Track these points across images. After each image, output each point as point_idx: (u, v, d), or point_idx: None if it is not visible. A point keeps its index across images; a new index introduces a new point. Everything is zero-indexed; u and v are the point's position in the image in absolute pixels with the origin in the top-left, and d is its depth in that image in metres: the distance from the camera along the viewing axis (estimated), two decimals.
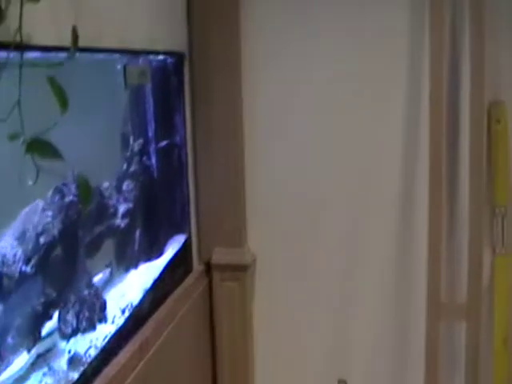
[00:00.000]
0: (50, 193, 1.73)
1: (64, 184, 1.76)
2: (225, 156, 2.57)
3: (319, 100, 2.58)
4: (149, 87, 2.24)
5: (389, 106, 2.55)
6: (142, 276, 2.23)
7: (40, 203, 1.68)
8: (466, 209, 2.48)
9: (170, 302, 2.29)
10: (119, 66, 1.94)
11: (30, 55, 1.35)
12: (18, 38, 1.26)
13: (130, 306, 2.06)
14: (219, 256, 2.63)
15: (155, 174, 2.35)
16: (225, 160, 2.57)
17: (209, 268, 2.64)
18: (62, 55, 1.37)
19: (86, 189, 1.24)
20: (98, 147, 1.91)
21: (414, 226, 2.60)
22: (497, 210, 2.53)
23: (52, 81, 1.16)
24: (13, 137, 1.23)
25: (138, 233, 2.24)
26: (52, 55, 1.45)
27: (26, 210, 1.64)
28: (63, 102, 1.17)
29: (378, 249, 2.63)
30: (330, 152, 2.61)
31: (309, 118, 2.60)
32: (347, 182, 2.61)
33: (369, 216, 2.62)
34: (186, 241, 2.54)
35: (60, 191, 1.75)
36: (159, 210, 2.40)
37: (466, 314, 2.49)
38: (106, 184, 2.02)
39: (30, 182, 1.26)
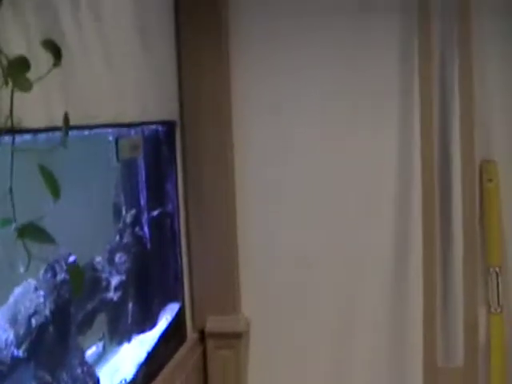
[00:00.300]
0: (41, 271, 1.70)
1: (56, 261, 1.74)
2: (217, 223, 2.56)
3: (311, 158, 2.59)
4: (141, 157, 2.24)
5: (382, 166, 2.56)
6: (136, 349, 2.19)
7: (32, 282, 1.66)
8: (460, 268, 2.47)
9: (164, 374, 2.25)
10: (111, 140, 1.93)
11: (22, 138, 1.34)
12: (9, 123, 1.25)
13: (123, 383, 2.02)
14: (213, 324, 2.59)
15: (148, 244, 2.33)
16: (217, 227, 2.56)
17: (203, 336, 2.60)
18: (54, 137, 1.36)
19: (78, 276, 1.22)
20: (90, 222, 1.89)
21: (409, 289, 2.58)
22: (491, 269, 2.52)
23: (43, 169, 1.15)
24: (4, 223, 1.22)
25: (130, 305, 2.21)
26: (43, 136, 1.44)
27: (19, 289, 1.61)
28: (55, 191, 1.16)
29: (373, 313, 2.61)
30: (323, 212, 2.60)
31: (301, 177, 2.59)
32: (341, 243, 2.60)
33: (363, 278, 2.60)
34: (179, 309, 2.50)
35: (52, 269, 1.73)
36: (152, 279, 2.37)
37: (463, 378, 2.45)
38: (98, 258, 2.00)
39: (22, 269, 1.25)
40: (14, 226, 1.19)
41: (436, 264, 2.47)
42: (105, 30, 1.80)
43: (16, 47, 1.32)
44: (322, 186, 2.59)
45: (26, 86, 1.12)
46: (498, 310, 2.52)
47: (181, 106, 2.51)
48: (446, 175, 2.51)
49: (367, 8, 2.49)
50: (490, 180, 2.49)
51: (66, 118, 1.19)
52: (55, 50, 1.20)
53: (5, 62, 1.20)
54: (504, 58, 2.45)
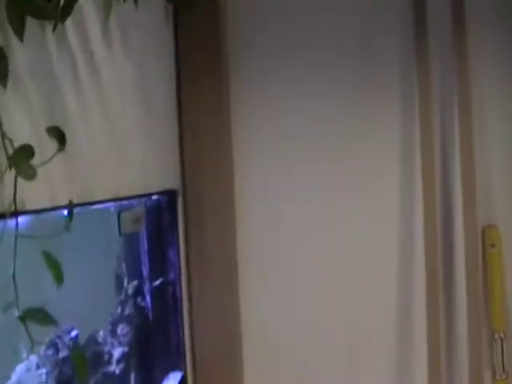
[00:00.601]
0: (43, 347, 1.70)
1: (58, 336, 1.73)
2: (220, 290, 2.54)
3: (314, 226, 2.59)
4: (143, 228, 2.24)
5: (382, 226, 2.56)
6: None
7: (34, 359, 1.65)
8: (465, 334, 2.46)
9: None
10: (113, 213, 1.94)
11: (25, 220, 1.34)
12: (12, 208, 1.26)
13: None
14: None
15: (149, 314, 2.32)
16: (220, 294, 2.54)
17: None
18: (57, 216, 1.37)
19: (81, 363, 1.21)
20: (92, 295, 1.89)
21: (414, 353, 2.56)
22: (496, 334, 2.50)
23: (47, 256, 1.15)
24: (7, 307, 1.22)
25: (133, 376, 2.19)
26: (46, 216, 1.45)
27: (21, 367, 1.61)
28: (58, 277, 1.16)
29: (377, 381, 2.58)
30: (328, 283, 2.59)
31: (303, 249, 2.59)
32: (343, 319, 2.58)
33: (367, 351, 2.58)
34: (182, 378, 2.48)
35: (54, 345, 1.72)
36: (154, 349, 2.36)
37: None
38: (100, 331, 1.99)
39: (25, 354, 1.24)
40: (16, 312, 1.20)
41: (440, 330, 2.45)
42: (107, 104, 1.82)
43: (18, 127, 1.34)
44: (327, 253, 2.59)
45: (29, 175, 1.13)
46: (504, 376, 2.50)
47: (182, 172, 2.52)
48: (449, 241, 2.51)
49: (368, 60, 2.52)
50: (493, 245, 2.49)
51: (71, 205, 1.20)
52: (60, 136, 1.22)
53: (9, 149, 1.22)
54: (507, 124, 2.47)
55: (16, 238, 1.22)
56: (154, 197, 2.30)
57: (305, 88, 2.56)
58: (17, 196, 1.26)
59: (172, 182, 2.41)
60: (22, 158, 1.13)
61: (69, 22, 1.55)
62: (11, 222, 1.26)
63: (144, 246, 2.29)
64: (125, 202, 1.99)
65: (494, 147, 2.50)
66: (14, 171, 1.23)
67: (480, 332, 2.44)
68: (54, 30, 1.50)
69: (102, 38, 1.81)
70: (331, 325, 2.58)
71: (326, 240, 2.58)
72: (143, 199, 2.16)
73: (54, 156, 1.23)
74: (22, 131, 1.35)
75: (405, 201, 2.53)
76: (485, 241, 2.49)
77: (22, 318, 1.22)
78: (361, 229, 2.56)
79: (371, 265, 2.57)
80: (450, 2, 2.43)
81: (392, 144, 2.53)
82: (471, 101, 2.41)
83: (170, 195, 2.41)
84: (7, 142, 1.24)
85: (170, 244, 2.45)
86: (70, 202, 1.24)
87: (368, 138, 2.53)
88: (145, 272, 2.29)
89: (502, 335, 2.49)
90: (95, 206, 1.75)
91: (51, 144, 1.37)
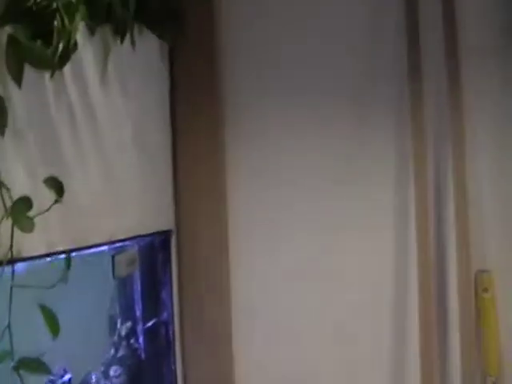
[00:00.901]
0: None
1: (51, 381, 1.72)
2: (212, 333, 2.53)
3: (308, 269, 2.58)
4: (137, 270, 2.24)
5: (377, 275, 2.55)
6: None
7: None
8: (459, 378, 2.45)
9: None
10: (107, 255, 1.94)
11: (22, 268, 1.35)
12: (8, 256, 1.27)
13: None
14: None
15: (143, 355, 2.31)
16: (212, 336, 2.53)
17: None
18: (55, 265, 1.38)
19: None
20: (85, 338, 1.89)
21: None
22: (487, 378, 2.50)
23: (43, 308, 1.15)
24: (1, 358, 1.22)
25: None
26: (42, 262, 1.45)
27: None
28: (54, 329, 1.16)
29: None
30: (321, 325, 2.58)
31: (296, 291, 2.58)
32: (337, 364, 2.56)
33: None
34: None
35: None
36: None
37: None
38: (93, 374, 1.98)
39: None
40: (11, 362, 1.20)
41: (434, 374, 2.45)
42: (104, 149, 1.83)
43: (15, 174, 1.35)
44: (320, 312, 2.58)
45: (28, 227, 1.14)
46: None
47: (176, 212, 2.52)
48: (442, 285, 2.51)
49: (364, 120, 2.53)
50: (486, 290, 2.49)
51: (68, 257, 1.20)
52: (57, 187, 1.22)
53: (6, 197, 1.23)
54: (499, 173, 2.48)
55: (11, 288, 1.22)
56: (149, 238, 2.30)
57: (300, 132, 2.57)
58: (13, 243, 1.26)
59: (166, 222, 2.42)
60: (21, 210, 1.13)
61: (67, 67, 1.56)
62: (7, 270, 1.26)
63: (137, 286, 2.29)
64: (119, 244, 2.00)
65: (487, 192, 2.51)
66: (10, 219, 1.24)
67: (473, 376, 2.44)
68: (51, 76, 1.51)
69: (99, 81, 1.82)
70: (324, 367, 2.57)
71: (321, 288, 2.58)
72: (137, 240, 2.16)
73: (51, 207, 1.24)
74: (19, 179, 1.36)
75: (398, 245, 2.53)
76: (478, 286, 2.49)
77: (17, 368, 1.22)
78: (354, 274, 2.56)
79: (364, 309, 2.56)
80: (445, 46, 2.44)
81: (386, 191, 2.53)
82: (465, 147, 2.42)
83: (163, 235, 2.41)
84: (4, 190, 1.25)
85: (163, 284, 2.45)
86: (67, 254, 1.24)
87: (362, 184, 2.54)
88: (138, 313, 2.29)
89: (493, 379, 2.49)
90: (90, 250, 1.75)
91: (48, 191, 1.38)
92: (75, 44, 1.45)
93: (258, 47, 2.58)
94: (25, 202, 1.15)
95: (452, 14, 2.43)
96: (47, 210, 1.24)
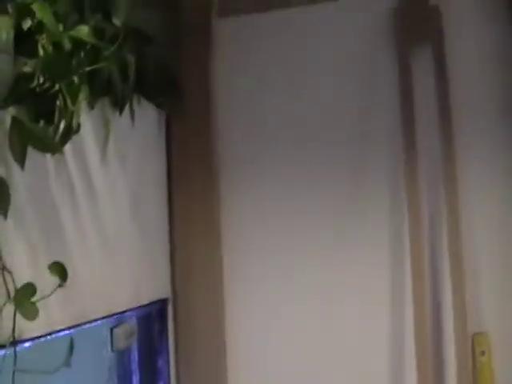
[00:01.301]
0: None
1: None
2: None
3: (303, 328, 2.56)
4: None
5: (372, 343, 2.54)
6: None
7: None
8: None
9: None
10: (106, 328, 1.93)
11: (23, 348, 1.34)
12: (11, 339, 1.26)
13: None
14: None
15: None
16: None
17: None
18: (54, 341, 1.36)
19: None
20: None
21: None
22: None
23: None
24: None
25: None
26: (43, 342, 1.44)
27: None
28: None
29: None
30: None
31: (292, 352, 2.56)
32: None
33: None
34: None
35: None
36: None
37: None
38: None
39: None
40: None
41: None
42: (104, 225, 1.83)
43: (17, 257, 1.35)
44: (316, 359, 2.56)
45: (32, 314, 1.13)
46: None
47: (172, 279, 2.52)
48: (439, 348, 2.50)
49: (358, 178, 2.54)
50: (483, 353, 2.48)
51: (71, 345, 1.20)
52: (61, 272, 1.22)
53: (9, 281, 1.22)
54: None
55: (14, 372, 1.21)
56: (146, 307, 2.29)
57: (294, 197, 2.58)
58: (15, 327, 1.26)
59: (163, 290, 2.41)
60: (24, 297, 1.13)
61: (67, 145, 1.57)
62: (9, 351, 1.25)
63: (135, 356, 2.27)
64: (117, 316, 1.99)
65: (483, 254, 2.51)
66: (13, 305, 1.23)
67: None
68: (53, 155, 1.52)
69: (98, 156, 1.83)
70: None
71: (318, 344, 2.56)
72: (135, 312, 2.15)
73: (54, 291, 1.23)
74: (21, 261, 1.35)
75: (395, 310, 2.52)
76: (475, 348, 2.48)
77: None
78: (349, 334, 2.55)
79: (359, 370, 2.54)
80: (438, 119, 2.47)
81: (381, 256, 2.54)
82: (459, 209, 2.43)
83: (160, 304, 2.40)
84: (6, 273, 1.24)
85: (160, 353, 2.43)
86: (71, 341, 1.23)
87: (357, 250, 2.54)
88: (135, 383, 2.27)
89: None
90: (88, 325, 1.74)
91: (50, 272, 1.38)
92: (78, 126, 1.46)
93: (254, 116, 2.61)
94: (28, 289, 1.14)
95: (444, 74, 2.46)
96: (50, 294, 1.24)
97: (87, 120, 1.75)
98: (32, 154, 1.40)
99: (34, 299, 1.20)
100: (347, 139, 2.56)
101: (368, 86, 2.55)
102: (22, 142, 1.35)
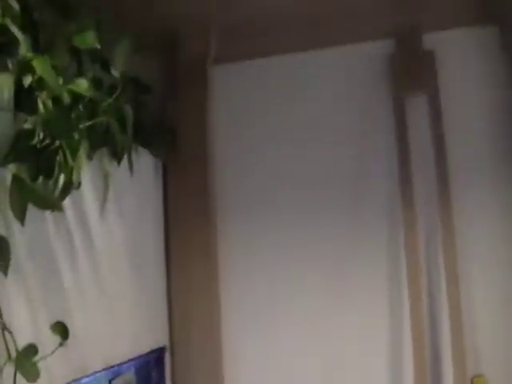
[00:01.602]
0: None
1: None
2: None
3: (301, 371, 2.55)
4: None
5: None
6: None
7: None
8: None
9: None
10: (104, 381, 1.91)
11: None
12: None
13: None
14: None
15: None
16: None
17: None
18: None
19: None
20: None
21: None
22: None
23: None
24: None
25: None
26: None
27: None
28: None
29: None
30: None
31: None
32: None
33: None
34: None
35: None
36: None
37: None
38: None
39: None
40: None
41: None
42: (102, 279, 1.82)
43: (17, 316, 1.34)
44: None
45: (33, 376, 1.12)
46: None
47: (170, 327, 2.50)
48: None
49: (356, 224, 2.54)
50: None
51: None
52: (63, 331, 1.21)
53: (9, 340, 1.21)
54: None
55: None
56: (144, 357, 2.27)
57: (290, 239, 2.57)
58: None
59: (160, 338, 2.39)
60: (26, 358, 1.12)
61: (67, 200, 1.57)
62: None
63: None
64: (116, 368, 1.97)
65: (481, 297, 2.50)
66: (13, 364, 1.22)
67: None
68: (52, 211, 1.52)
69: (97, 207, 1.83)
70: None
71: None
72: (133, 362, 2.13)
73: (55, 350, 1.22)
74: (21, 320, 1.34)
75: (393, 356, 2.51)
76: None
77: None
78: (346, 373, 2.53)
79: None
80: (434, 162, 2.47)
81: (379, 297, 2.53)
82: (456, 257, 2.43)
83: (158, 352, 2.38)
84: (7, 332, 1.23)
85: None
86: None
87: (356, 295, 2.53)
88: None
89: None
90: (87, 379, 1.72)
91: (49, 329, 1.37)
92: (79, 183, 1.46)
93: (249, 161, 2.62)
94: (30, 350, 1.13)
95: (439, 117, 2.48)
96: (51, 353, 1.23)
97: (86, 171, 1.74)
98: (31, 208, 1.40)
99: (35, 359, 1.18)
100: (344, 181, 2.56)
101: (365, 129, 2.57)
102: (23, 199, 1.35)
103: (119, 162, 1.95)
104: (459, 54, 2.52)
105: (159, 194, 2.42)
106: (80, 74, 1.81)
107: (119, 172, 1.97)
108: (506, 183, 2.45)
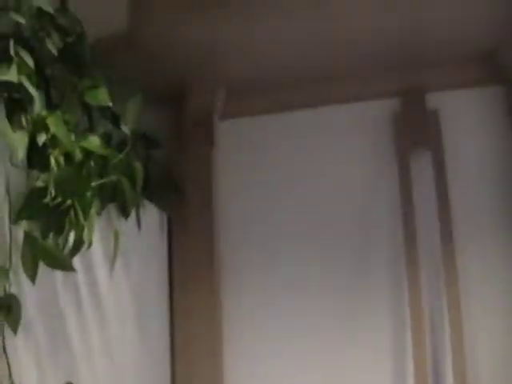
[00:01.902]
0: None
1: None
2: None
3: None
4: None
5: None
6: None
7: None
8: None
9: None
10: None
11: None
12: None
13: None
14: None
15: None
16: None
17: None
18: None
19: None
20: None
21: None
22: None
23: None
24: None
25: None
26: None
27: None
28: None
29: None
30: None
31: None
32: None
33: None
34: None
35: None
36: None
37: None
38: None
39: None
40: None
41: None
42: (109, 339, 1.81)
43: (26, 373, 1.33)
44: None
45: None
46: None
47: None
48: None
49: (359, 280, 2.53)
50: None
51: None
52: None
53: None
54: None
55: None
56: None
57: (294, 295, 2.56)
58: None
59: None
60: None
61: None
62: None
63: None
64: None
65: (484, 359, 2.49)
66: None
67: None
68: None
69: (104, 263, 1.83)
70: None
71: None
72: None
73: None
74: (30, 379, 1.34)
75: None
76: None
77: None
78: None
79: None
80: (438, 218, 2.48)
81: (383, 361, 2.52)
82: (460, 305, 2.43)
83: None
84: None
85: None
86: None
87: (358, 347, 2.52)
88: None
89: None
90: None
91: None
92: (90, 242, 1.47)
93: (254, 212, 2.63)
94: None
95: (443, 175, 2.49)
96: None
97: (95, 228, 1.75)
98: (41, 266, 1.40)
99: None
100: (348, 235, 2.57)
101: (369, 186, 2.58)
102: (34, 257, 1.35)
103: (127, 217, 1.96)
104: (464, 113, 2.55)
105: (164, 247, 2.42)
106: (91, 129, 1.83)
107: (126, 226, 1.97)
108: (510, 239, 2.47)
